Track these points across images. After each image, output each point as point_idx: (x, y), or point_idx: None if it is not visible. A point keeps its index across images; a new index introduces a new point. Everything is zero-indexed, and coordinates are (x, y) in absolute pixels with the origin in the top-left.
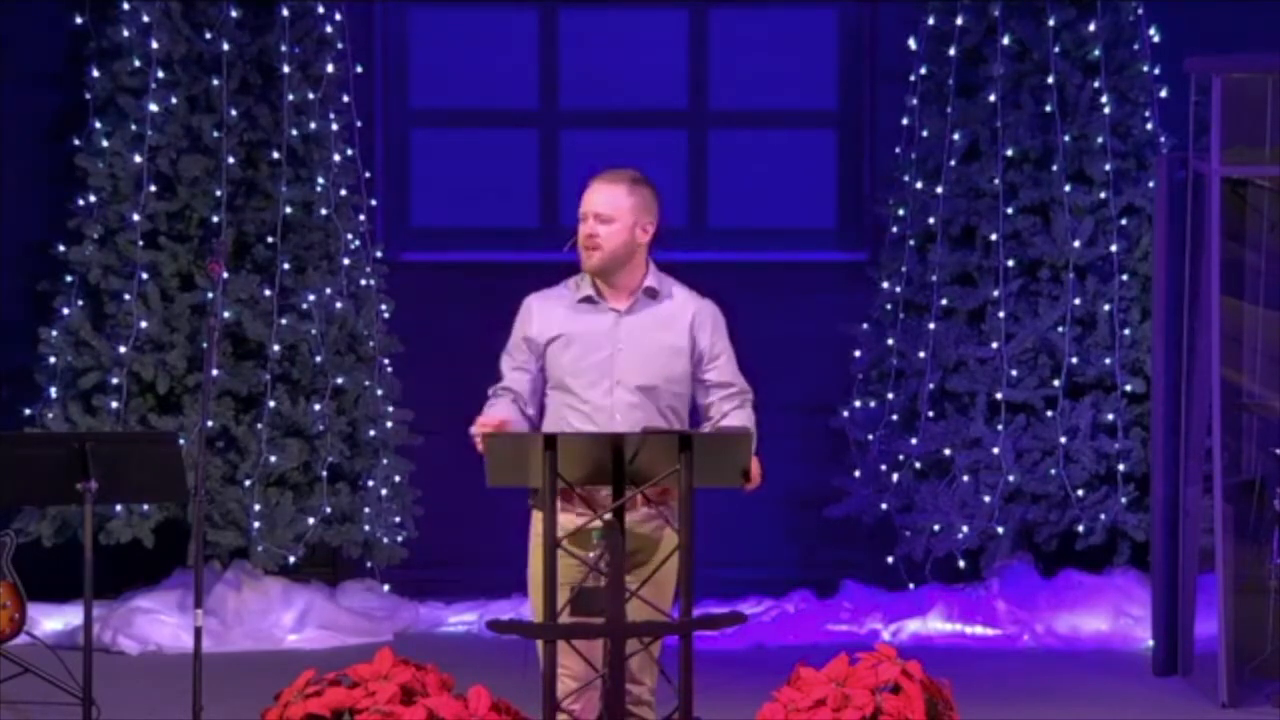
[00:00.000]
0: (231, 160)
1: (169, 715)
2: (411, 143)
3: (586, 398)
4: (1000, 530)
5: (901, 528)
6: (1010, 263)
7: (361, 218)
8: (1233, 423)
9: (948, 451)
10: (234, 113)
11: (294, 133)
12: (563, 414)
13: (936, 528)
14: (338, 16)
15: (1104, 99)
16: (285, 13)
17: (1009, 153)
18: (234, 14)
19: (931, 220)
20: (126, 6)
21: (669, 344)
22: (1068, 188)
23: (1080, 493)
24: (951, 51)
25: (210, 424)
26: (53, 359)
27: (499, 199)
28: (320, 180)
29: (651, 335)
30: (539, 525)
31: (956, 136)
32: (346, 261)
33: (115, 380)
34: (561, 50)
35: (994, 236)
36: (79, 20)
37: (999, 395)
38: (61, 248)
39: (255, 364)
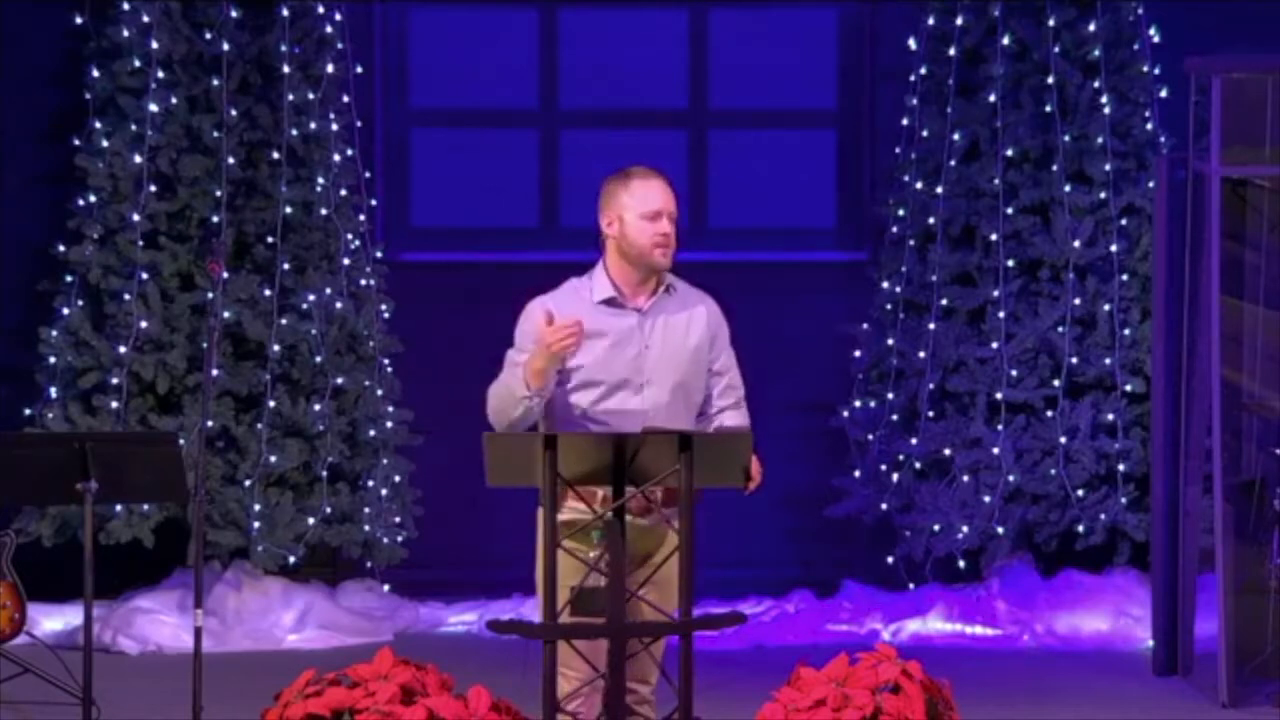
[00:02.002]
0: (231, 160)
1: (169, 715)
2: (411, 143)
3: (617, 399)
4: (1000, 530)
5: (901, 528)
6: (1010, 263)
7: (361, 218)
8: (1233, 423)
9: (948, 451)
10: (234, 113)
11: (294, 133)
12: (585, 417)
13: (936, 528)
14: (338, 16)
15: (1104, 99)
16: (285, 13)
17: (1009, 153)
18: (234, 14)
19: (931, 220)
20: (126, 6)
21: (694, 341)
22: (1068, 188)
23: (1080, 493)
24: (951, 51)
25: (210, 424)
26: (53, 359)
27: (499, 199)
28: (320, 180)
29: (677, 333)
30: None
31: (956, 136)
32: (346, 261)
33: (115, 380)
34: (561, 50)
35: (994, 236)
36: (79, 20)
37: (999, 395)
38: (61, 248)
39: (255, 364)
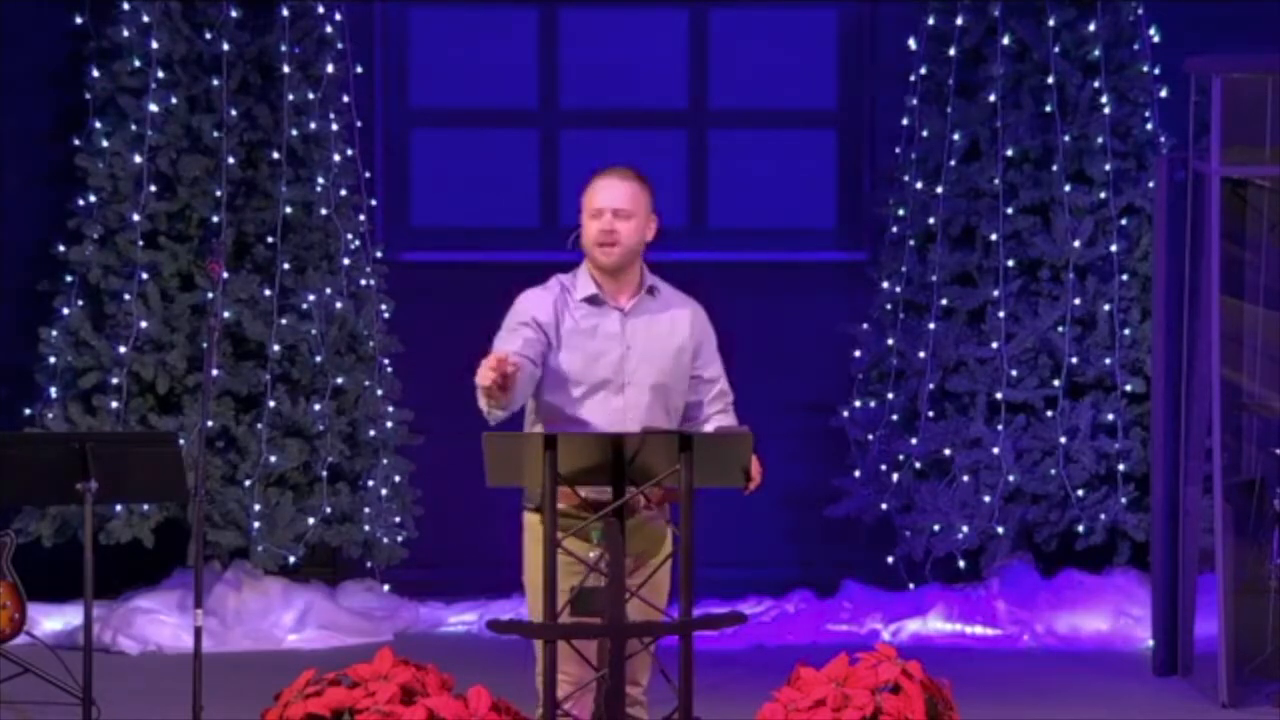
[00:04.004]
0: (231, 160)
1: (169, 715)
2: (411, 143)
3: (597, 399)
4: (1000, 530)
5: (901, 528)
6: (1010, 263)
7: (361, 218)
8: (1233, 423)
9: (948, 451)
10: (234, 113)
11: (294, 133)
12: (565, 417)
13: (936, 528)
14: (338, 16)
15: (1104, 99)
16: (285, 13)
17: (1009, 153)
18: (234, 14)
19: (931, 220)
20: (126, 6)
21: (676, 343)
22: (1068, 188)
23: (1080, 493)
24: (951, 51)
25: (210, 424)
26: (53, 359)
27: (499, 199)
28: (320, 180)
29: (659, 334)
30: (533, 527)
31: (956, 136)
32: (346, 261)
33: (115, 380)
34: (561, 49)
35: (994, 236)
36: (79, 20)
37: (999, 395)
38: (61, 248)
39: (255, 364)
